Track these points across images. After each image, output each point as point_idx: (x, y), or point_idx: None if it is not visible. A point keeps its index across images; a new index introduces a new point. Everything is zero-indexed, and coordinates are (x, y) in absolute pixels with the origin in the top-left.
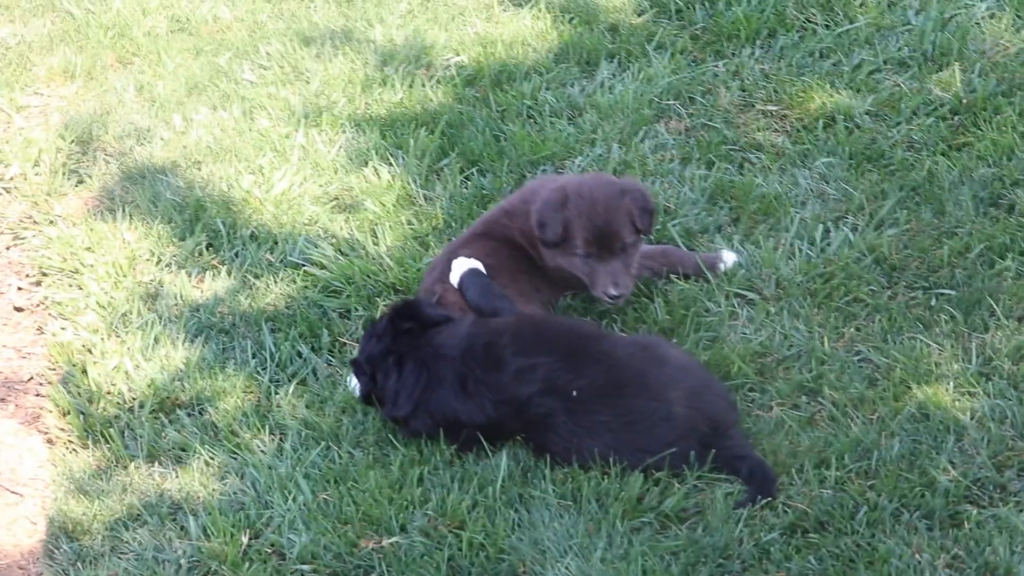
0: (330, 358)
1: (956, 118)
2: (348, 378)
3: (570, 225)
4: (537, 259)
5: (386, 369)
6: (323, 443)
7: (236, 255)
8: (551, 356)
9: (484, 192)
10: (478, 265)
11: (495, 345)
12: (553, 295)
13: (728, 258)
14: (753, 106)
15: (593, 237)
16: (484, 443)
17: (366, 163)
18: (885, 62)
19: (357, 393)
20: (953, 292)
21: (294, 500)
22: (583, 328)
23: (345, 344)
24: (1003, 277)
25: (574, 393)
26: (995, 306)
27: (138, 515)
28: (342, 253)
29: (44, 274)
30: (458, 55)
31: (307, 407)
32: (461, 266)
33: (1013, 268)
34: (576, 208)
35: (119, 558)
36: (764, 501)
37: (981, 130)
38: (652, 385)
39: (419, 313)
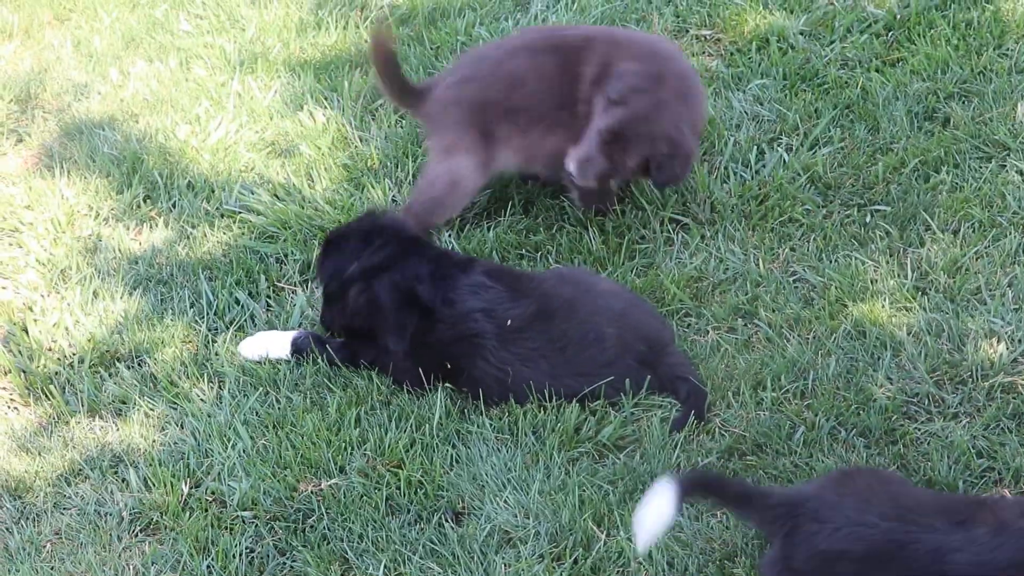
0: (268, 303)
1: (890, 34)
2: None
3: None
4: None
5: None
6: (261, 389)
7: (173, 206)
8: (498, 284)
9: (418, 130)
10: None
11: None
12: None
13: None
14: (687, 31)
15: None
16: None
17: (301, 107)
18: None
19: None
20: (888, 208)
21: (233, 447)
22: (514, 270)
23: (284, 289)
24: (938, 191)
25: (508, 322)
26: (930, 220)
27: (80, 470)
28: (278, 198)
29: None
30: None
31: None
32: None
33: (948, 181)
34: None
35: (62, 513)
36: (695, 422)
37: (915, 45)
38: (580, 310)
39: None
